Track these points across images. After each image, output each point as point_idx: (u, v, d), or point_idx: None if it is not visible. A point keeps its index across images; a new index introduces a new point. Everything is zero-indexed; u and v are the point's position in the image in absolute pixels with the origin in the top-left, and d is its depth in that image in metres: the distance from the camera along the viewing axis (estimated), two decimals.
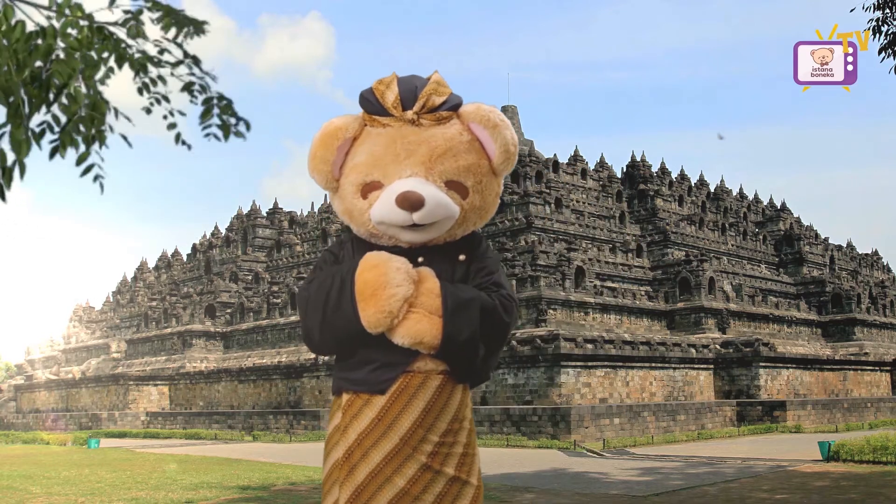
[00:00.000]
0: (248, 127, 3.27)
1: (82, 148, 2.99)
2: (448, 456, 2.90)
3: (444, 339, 2.82)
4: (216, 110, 3.19)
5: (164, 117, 3.20)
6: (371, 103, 2.98)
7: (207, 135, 3.23)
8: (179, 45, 3.12)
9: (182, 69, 3.14)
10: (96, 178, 3.07)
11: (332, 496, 2.94)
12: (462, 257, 3.02)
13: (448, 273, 2.97)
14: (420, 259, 2.96)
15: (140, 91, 3.14)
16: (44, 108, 2.91)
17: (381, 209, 2.90)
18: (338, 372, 3.04)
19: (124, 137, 3.14)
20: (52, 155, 2.92)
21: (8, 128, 2.82)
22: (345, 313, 2.86)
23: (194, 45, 3.16)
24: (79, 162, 3.01)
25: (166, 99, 3.19)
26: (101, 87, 3.03)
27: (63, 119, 2.94)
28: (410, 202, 2.83)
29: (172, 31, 3.12)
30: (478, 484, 2.98)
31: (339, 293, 2.87)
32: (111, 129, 3.08)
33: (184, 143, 3.23)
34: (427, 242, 2.97)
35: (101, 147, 3.05)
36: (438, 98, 2.97)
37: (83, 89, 2.96)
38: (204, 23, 3.18)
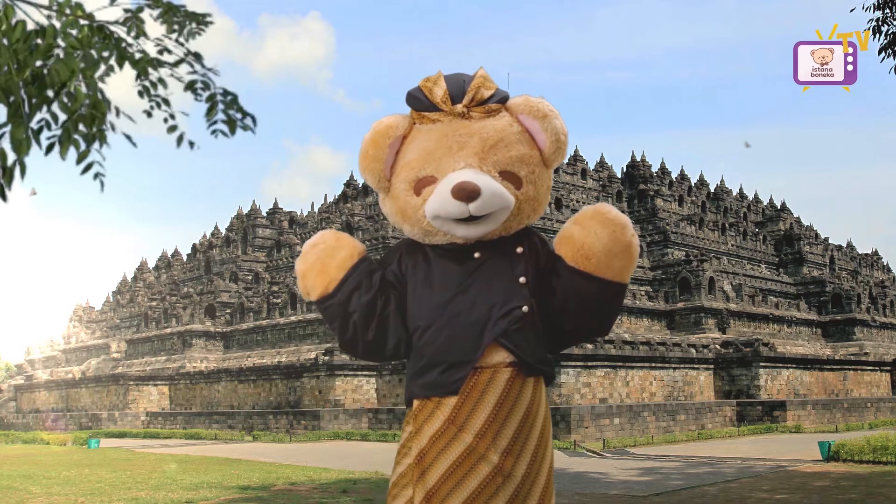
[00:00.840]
0: (254, 122, 3.26)
1: (83, 146, 2.98)
2: (521, 453, 2.87)
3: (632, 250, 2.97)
4: (221, 106, 3.18)
5: (165, 120, 3.19)
6: (419, 100, 2.97)
7: (214, 131, 3.21)
8: (181, 44, 3.11)
9: (183, 68, 3.13)
10: (96, 175, 3.06)
11: (405, 497, 2.90)
12: (520, 249, 2.98)
13: (507, 268, 2.94)
14: (476, 255, 2.93)
15: (140, 94, 3.14)
16: (45, 108, 2.91)
17: (437, 202, 2.86)
18: (408, 381, 3.01)
19: (128, 137, 3.14)
20: (48, 151, 2.91)
21: (8, 127, 2.82)
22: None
23: (195, 44, 3.16)
24: (79, 160, 3.01)
25: (167, 102, 3.18)
26: (101, 86, 3.03)
27: (63, 118, 2.94)
28: (467, 192, 2.80)
29: (174, 28, 3.12)
30: (547, 480, 2.95)
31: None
32: (112, 127, 3.07)
33: (190, 143, 3.22)
34: (482, 237, 2.94)
35: (101, 146, 3.05)
36: (487, 91, 2.97)
37: (83, 88, 2.96)
38: (206, 16, 3.17)
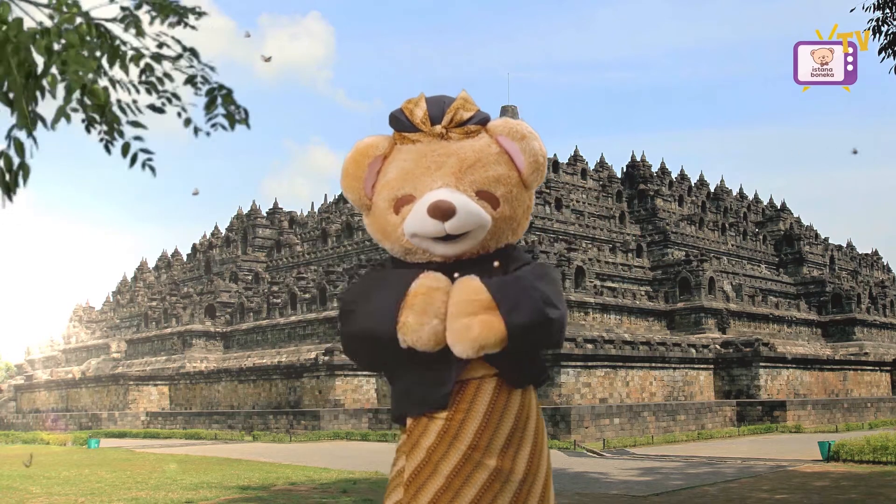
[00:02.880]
0: (246, 115, 3.30)
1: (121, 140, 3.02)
2: (517, 456, 2.90)
3: (511, 331, 2.77)
4: (220, 100, 3.21)
5: (178, 115, 3.22)
6: (401, 121, 3.03)
7: (213, 125, 3.25)
8: (178, 41, 3.13)
9: (182, 62, 3.15)
10: (144, 164, 3.14)
11: (395, 497, 2.91)
12: (496, 264, 3.01)
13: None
14: (456, 274, 2.94)
15: (149, 91, 3.16)
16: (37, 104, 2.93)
17: (414, 221, 2.91)
18: (396, 400, 3.03)
19: (138, 137, 3.17)
20: (55, 121, 2.93)
21: (13, 131, 2.84)
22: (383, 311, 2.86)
23: (193, 42, 3.17)
24: (124, 153, 3.08)
25: (176, 97, 3.21)
26: (101, 84, 3.04)
27: (51, 116, 2.96)
28: (442, 211, 2.84)
29: (170, 22, 3.14)
30: (546, 482, 2.98)
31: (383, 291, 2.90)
32: (121, 134, 3.11)
33: (207, 133, 3.27)
34: (461, 255, 2.97)
35: (114, 127, 3.08)
36: (466, 113, 3.02)
37: (100, 83, 2.99)
38: (198, 8, 3.19)
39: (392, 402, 3.09)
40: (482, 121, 3.04)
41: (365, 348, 2.99)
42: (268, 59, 10.77)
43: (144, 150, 3.17)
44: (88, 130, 3.08)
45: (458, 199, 2.87)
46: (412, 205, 2.93)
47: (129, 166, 3.12)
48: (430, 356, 2.84)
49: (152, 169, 3.17)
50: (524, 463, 2.89)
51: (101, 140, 3.12)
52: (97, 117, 3.04)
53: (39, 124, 2.92)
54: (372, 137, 3.08)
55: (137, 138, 3.16)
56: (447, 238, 2.90)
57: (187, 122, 3.24)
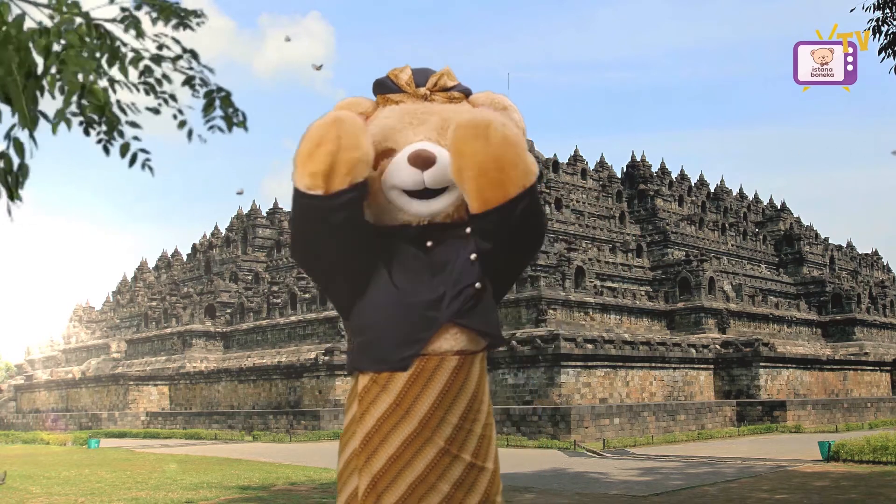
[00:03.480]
0: (244, 118, 3.30)
1: (120, 140, 3.02)
2: (466, 439, 2.91)
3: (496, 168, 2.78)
4: (218, 102, 3.21)
5: (174, 117, 3.23)
6: (385, 85, 3.08)
7: (211, 127, 3.25)
8: (178, 41, 3.13)
9: (182, 63, 3.15)
10: (144, 164, 3.14)
11: (351, 485, 2.94)
12: (469, 230, 2.99)
13: (457, 248, 2.96)
14: (429, 244, 2.96)
15: (147, 92, 3.16)
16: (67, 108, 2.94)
17: (393, 172, 2.91)
18: (354, 353, 3.00)
19: (136, 138, 3.17)
20: (55, 125, 2.93)
21: (13, 131, 2.83)
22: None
23: (193, 43, 3.17)
24: (122, 153, 3.08)
25: (174, 98, 3.21)
26: (101, 84, 3.04)
27: (51, 114, 2.96)
28: (423, 159, 2.86)
29: (171, 23, 3.14)
30: (494, 468, 2.99)
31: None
32: (121, 134, 3.11)
33: (200, 137, 3.27)
34: (434, 218, 2.97)
35: (114, 127, 3.08)
36: (450, 81, 3.09)
37: (100, 84, 2.99)
38: (198, 11, 3.19)
39: (349, 355, 3.03)
40: (465, 91, 3.11)
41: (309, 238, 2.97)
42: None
43: (143, 150, 3.17)
44: (87, 133, 3.08)
45: (440, 152, 2.89)
46: (391, 158, 2.93)
47: (128, 166, 3.13)
48: (401, 318, 2.84)
49: (151, 169, 3.18)
50: (474, 445, 2.90)
51: (100, 142, 3.12)
52: (96, 118, 3.04)
53: (41, 122, 2.92)
54: (354, 98, 3.10)
55: (136, 138, 3.16)
56: (424, 194, 2.89)
57: (182, 124, 3.24)
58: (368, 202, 2.97)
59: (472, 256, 2.94)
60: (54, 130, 2.92)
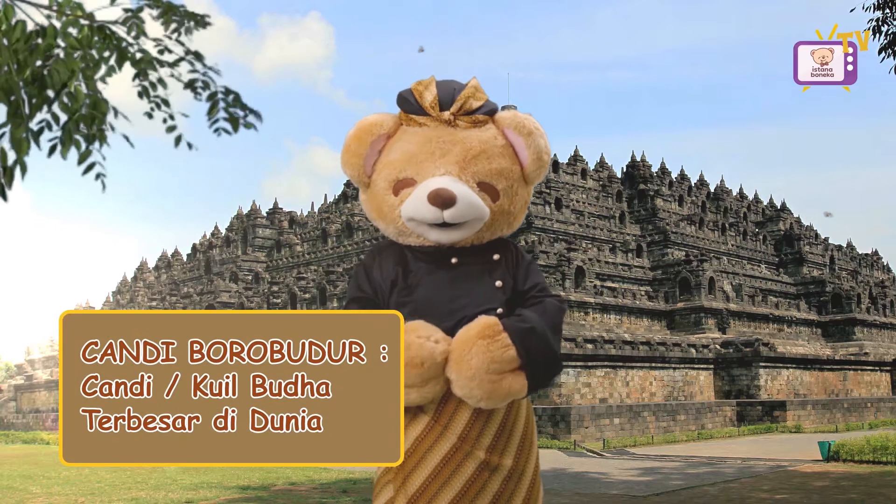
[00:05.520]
0: (259, 118, 3.27)
1: (84, 147, 2.99)
2: (508, 444, 2.90)
3: (529, 389, 2.87)
4: (222, 104, 3.19)
5: (164, 121, 3.20)
6: (409, 103, 3.01)
7: (216, 130, 3.22)
8: (181, 43, 3.12)
9: (183, 67, 3.14)
10: (98, 176, 3.08)
11: (385, 496, 2.90)
12: (496, 257, 3.03)
13: (483, 273, 2.99)
14: (454, 260, 2.97)
15: (140, 95, 3.15)
16: (45, 108, 2.91)
17: (413, 205, 2.91)
18: None
19: (126, 138, 3.14)
20: (50, 152, 2.92)
21: (8, 127, 2.82)
22: None
23: (193, 44, 3.16)
24: (80, 160, 3.02)
25: (166, 103, 3.19)
26: (101, 86, 3.03)
27: (63, 118, 2.95)
28: (443, 199, 2.85)
29: (173, 27, 3.13)
30: (533, 477, 2.97)
31: None
32: (112, 128, 3.08)
33: (189, 144, 3.23)
34: (454, 244, 2.98)
35: (101, 146, 3.05)
36: (476, 102, 3.01)
37: (83, 88, 2.96)
38: (205, 16, 3.18)
39: None
40: (490, 111, 3.03)
41: None
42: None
43: (100, 164, 3.09)
44: (70, 133, 3.01)
45: (460, 189, 2.87)
46: (412, 188, 2.93)
47: (82, 173, 3.04)
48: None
49: (103, 184, 3.10)
50: (512, 456, 2.89)
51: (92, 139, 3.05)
52: (82, 125, 3.00)
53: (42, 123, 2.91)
54: (377, 115, 3.06)
55: (105, 145, 3.07)
56: (443, 225, 2.90)
57: (170, 129, 3.21)
58: (386, 224, 3.03)
59: (498, 284, 2.98)
60: (64, 154, 2.90)
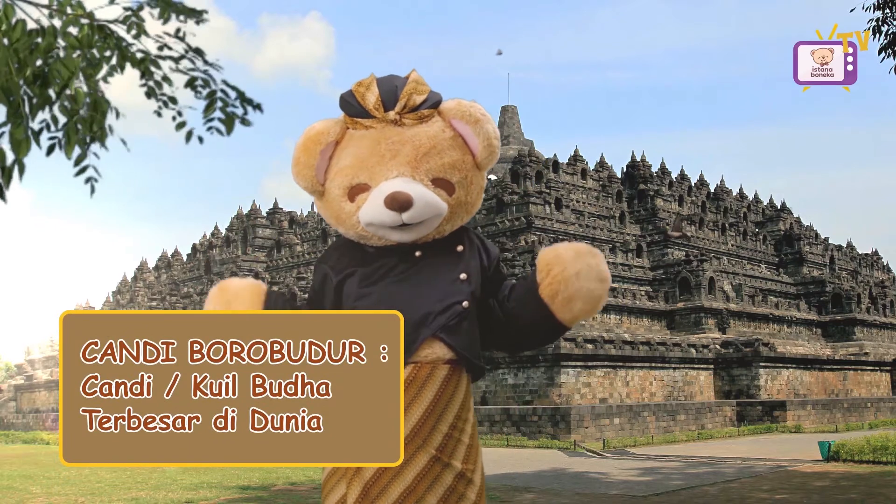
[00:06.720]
0: (260, 110, 3.27)
1: (82, 148, 2.99)
2: (456, 448, 2.92)
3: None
4: (219, 104, 3.20)
5: (174, 118, 3.21)
6: (352, 106, 3.02)
7: (210, 129, 3.23)
8: (181, 39, 3.12)
9: (184, 64, 3.14)
10: (88, 179, 3.08)
11: (338, 493, 2.93)
12: (460, 248, 3.06)
13: (447, 265, 3.01)
14: (418, 253, 2.99)
15: (148, 95, 3.15)
16: (46, 109, 2.92)
17: (370, 211, 2.92)
18: None
19: (123, 142, 3.14)
20: (49, 152, 2.92)
21: (8, 127, 2.82)
22: None
23: (193, 44, 3.17)
24: (76, 163, 3.02)
25: (173, 101, 3.20)
26: (102, 86, 3.03)
27: (62, 120, 2.95)
28: (399, 202, 2.85)
29: (172, 23, 3.13)
30: (481, 483, 2.99)
31: None
32: (111, 129, 3.08)
33: (199, 139, 3.25)
34: (417, 240, 2.99)
35: (101, 146, 3.06)
36: (419, 97, 3.00)
37: (84, 88, 2.96)
38: (202, 12, 3.19)
39: None
40: (435, 103, 3.03)
41: None
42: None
43: (93, 167, 3.09)
44: (73, 132, 3.02)
45: (415, 190, 2.88)
46: (367, 193, 2.94)
47: (75, 175, 3.05)
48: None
49: (92, 188, 3.09)
50: (462, 455, 2.91)
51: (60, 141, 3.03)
52: (80, 126, 3.00)
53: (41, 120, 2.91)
54: (322, 123, 3.06)
55: (102, 148, 3.08)
56: (403, 226, 2.91)
57: (180, 125, 3.23)
58: (346, 229, 3.03)
59: (462, 276, 2.99)
60: (68, 154, 2.91)
